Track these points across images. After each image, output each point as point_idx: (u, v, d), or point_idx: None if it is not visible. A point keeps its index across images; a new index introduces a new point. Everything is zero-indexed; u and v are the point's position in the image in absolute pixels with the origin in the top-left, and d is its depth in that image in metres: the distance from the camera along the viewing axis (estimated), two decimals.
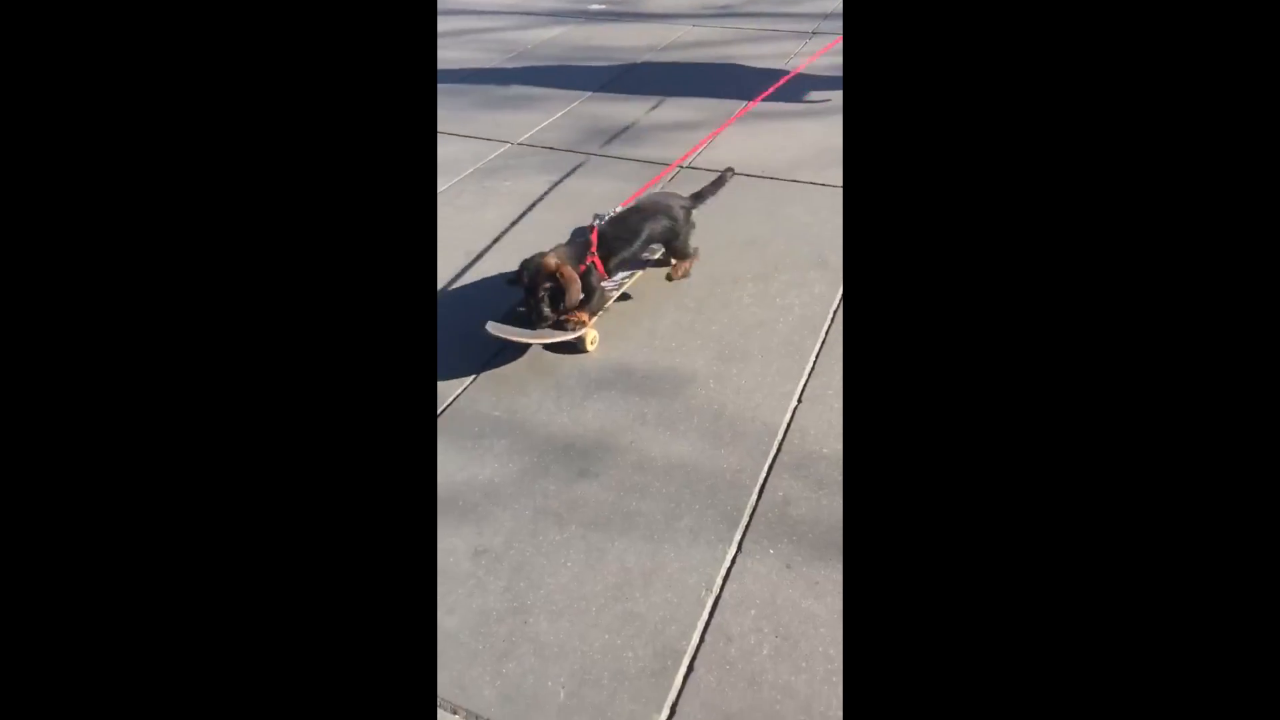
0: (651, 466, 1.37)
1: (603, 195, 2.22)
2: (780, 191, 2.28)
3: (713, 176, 1.95)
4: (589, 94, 3.11)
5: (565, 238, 1.77)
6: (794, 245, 1.97)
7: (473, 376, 1.59)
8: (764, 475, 1.34)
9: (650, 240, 1.81)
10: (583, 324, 1.73)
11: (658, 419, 1.47)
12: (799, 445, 1.38)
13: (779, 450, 1.38)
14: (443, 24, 4.18)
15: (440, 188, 2.43)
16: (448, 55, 3.71)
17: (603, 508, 1.29)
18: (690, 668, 1.05)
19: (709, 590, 1.15)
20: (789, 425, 1.42)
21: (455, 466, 1.39)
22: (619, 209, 1.86)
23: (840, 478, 1.30)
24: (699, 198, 1.90)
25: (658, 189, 2.04)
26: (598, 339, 1.73)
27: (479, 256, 2.03)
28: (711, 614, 1.12)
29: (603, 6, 4.41)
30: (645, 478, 1.34)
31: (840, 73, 2.82)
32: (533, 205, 2.27)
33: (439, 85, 3.23)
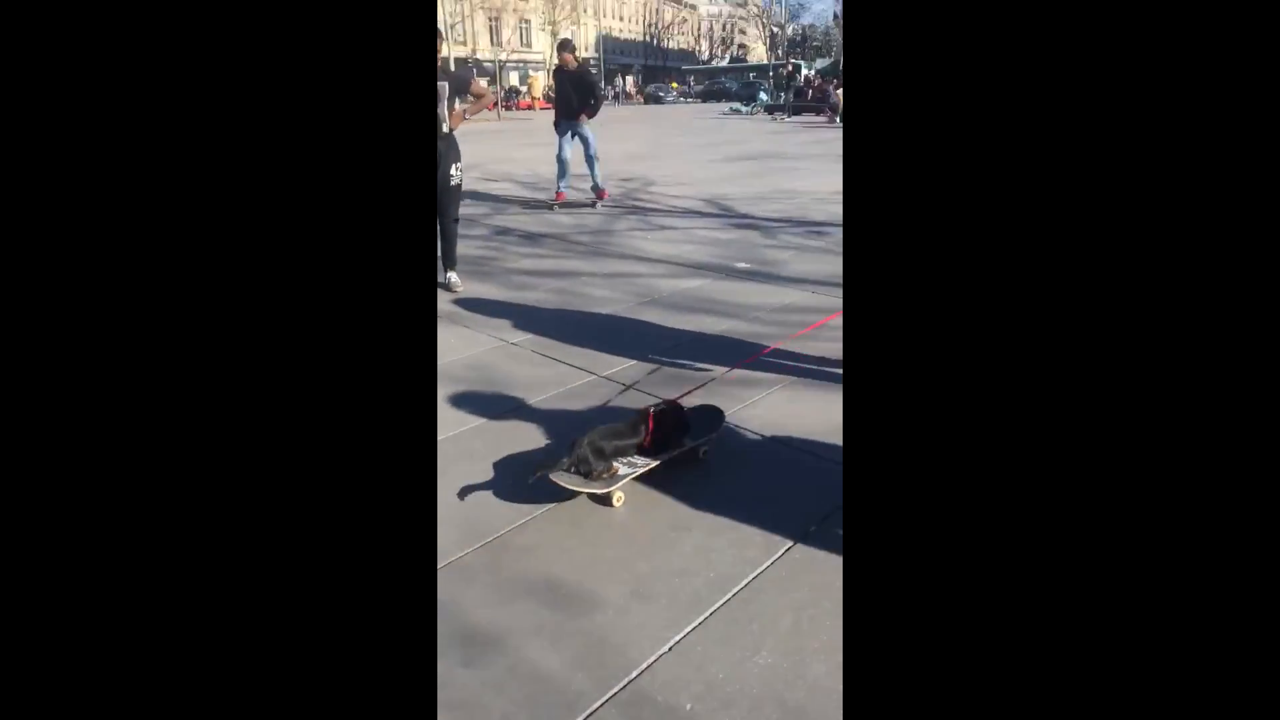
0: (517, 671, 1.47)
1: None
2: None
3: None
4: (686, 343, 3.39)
5: None
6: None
7: None
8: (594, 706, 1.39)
9: None
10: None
11: (543, 629, 1.58)
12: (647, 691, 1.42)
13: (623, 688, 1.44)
14: (601, 265, 4.91)
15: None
16: (594, 294, 4.24)
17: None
18: None
19: None
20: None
21: None
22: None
23: None
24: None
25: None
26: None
27: None
28: None
29: (747, 266, 4.86)
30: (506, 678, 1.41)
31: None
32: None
33: (571, 321, 3.68)
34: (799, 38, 53.15)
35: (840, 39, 44.02)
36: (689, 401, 2.42)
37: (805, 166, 10.39)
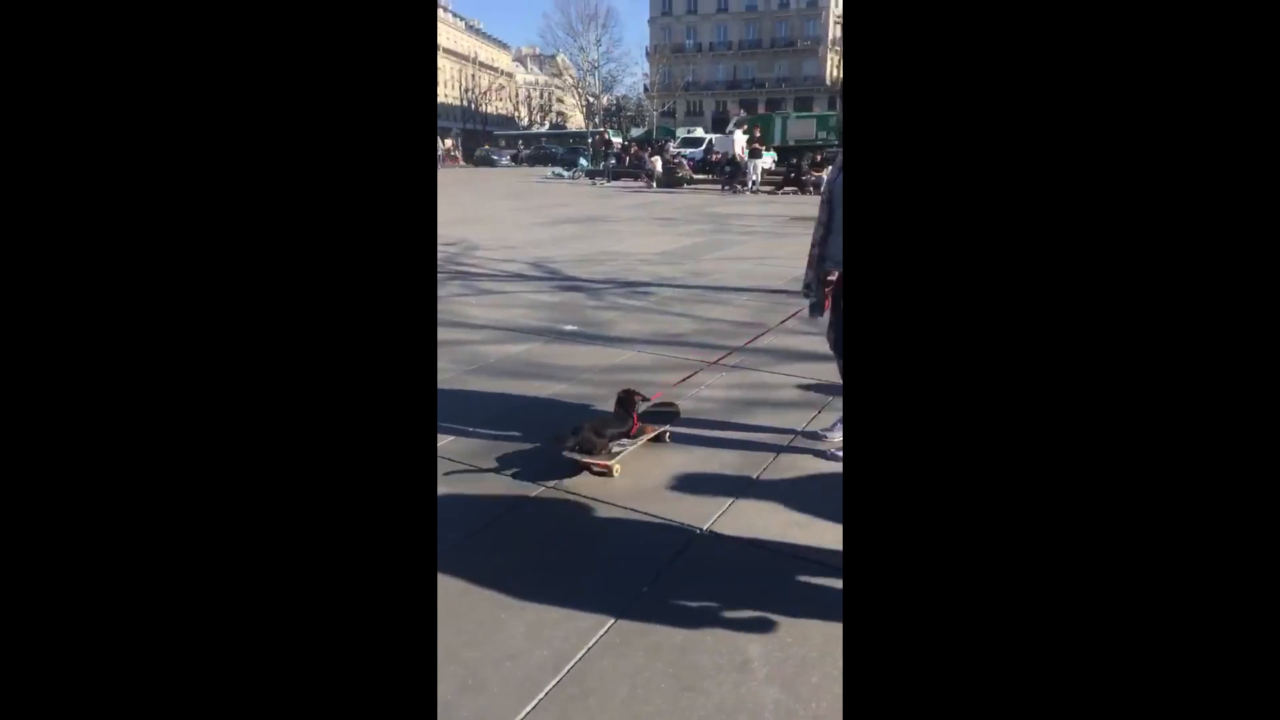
0: None
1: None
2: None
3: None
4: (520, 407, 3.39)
5: None
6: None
7: None
8: None
9: None
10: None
11: None
12: None
13: None
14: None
15: None
16: None
17: None
18: None
19: None
20: None
21: None
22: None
23: None
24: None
25: None
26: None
27: None
28: None
29: (574, 328, 4.91)
30: None
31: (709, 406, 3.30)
32: None
33: None
34: (614, 107, 56.12)
35: (652, 110, 47.09)
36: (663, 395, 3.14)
37: (626, 229, 10.85)
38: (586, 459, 2.60)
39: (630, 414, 2.77)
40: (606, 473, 2.59)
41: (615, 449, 2.66)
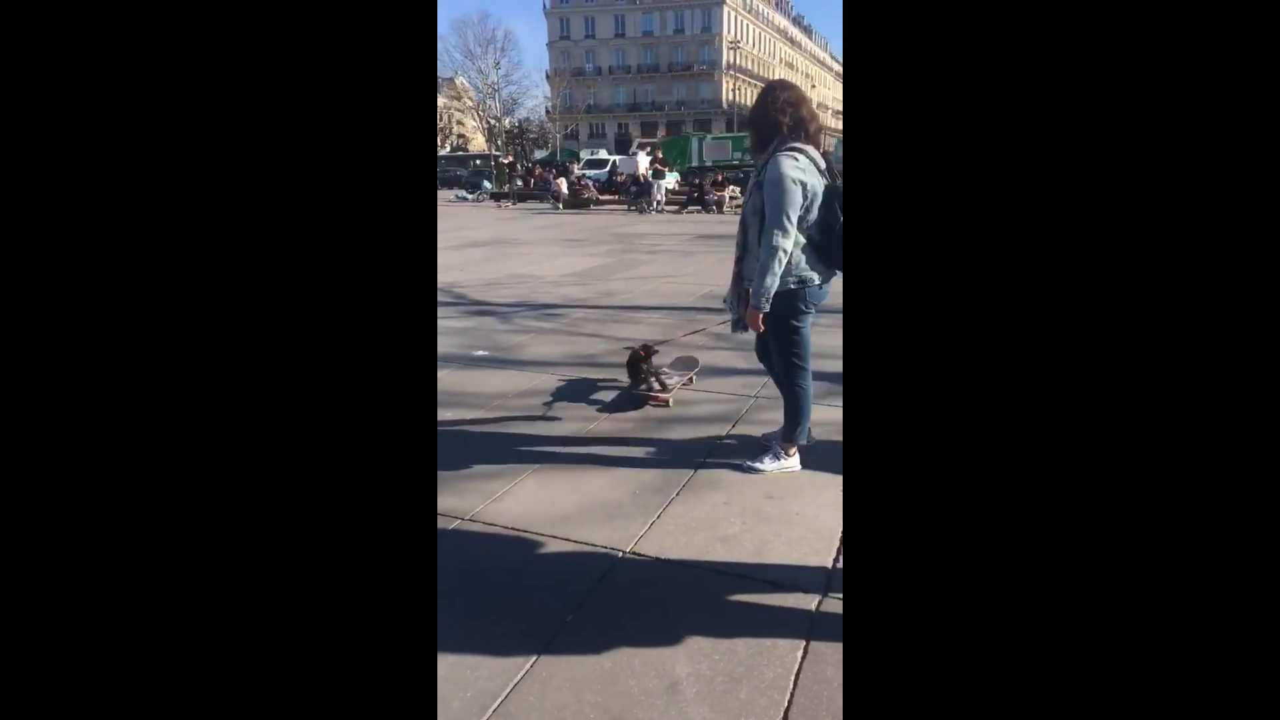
0: None
1: None
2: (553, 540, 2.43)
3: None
4: None
5: None
6: None
7: None
8: None
9: None
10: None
11: None
12: None
13: None
14: None
15: None
16: None
17: None
18: None
19: None
20: None
21: None
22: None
23: None
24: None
25: None
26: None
27: None
28: None
29: (485, 353, 4.81)
30: None
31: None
32: None
33: None
34: (517, 130, 55.89)
35: (555, 133, 47.24)
36: (677, 352, 3.97)
37: (535, 250, 10.79)
38: (650, 392, 3.47)
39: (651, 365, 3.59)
40: (665, 404, 3.44)
41: (671, 385, 3.53)
